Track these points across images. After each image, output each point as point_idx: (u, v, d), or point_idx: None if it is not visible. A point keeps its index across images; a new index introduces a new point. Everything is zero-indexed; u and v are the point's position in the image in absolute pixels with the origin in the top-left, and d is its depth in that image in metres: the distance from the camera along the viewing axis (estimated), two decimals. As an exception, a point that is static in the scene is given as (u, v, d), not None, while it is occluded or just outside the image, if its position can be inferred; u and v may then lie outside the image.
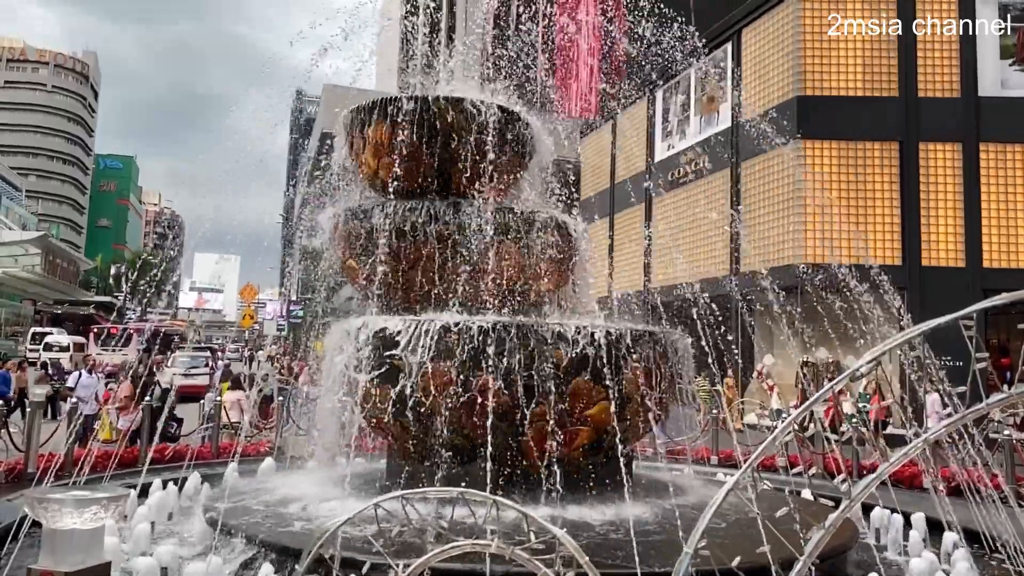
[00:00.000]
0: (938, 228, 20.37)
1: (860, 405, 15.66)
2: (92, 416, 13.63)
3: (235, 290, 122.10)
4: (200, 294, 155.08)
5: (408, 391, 6.39)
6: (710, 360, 9.70)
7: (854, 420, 12.74)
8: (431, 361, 6.34)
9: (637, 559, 4.68)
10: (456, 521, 4.17)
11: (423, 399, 6.34)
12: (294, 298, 60.77)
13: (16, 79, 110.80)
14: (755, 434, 16.15)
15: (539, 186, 9.27)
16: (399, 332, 6.53)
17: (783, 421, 3.31)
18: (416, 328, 6.47)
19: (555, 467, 6.02)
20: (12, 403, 16.25)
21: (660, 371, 7.05)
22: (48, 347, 37.32)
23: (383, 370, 6.59)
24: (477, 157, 7.92)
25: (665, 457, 10.80)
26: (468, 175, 7.92)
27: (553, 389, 6.27)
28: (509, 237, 7.65)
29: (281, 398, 14.11)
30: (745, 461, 3.13)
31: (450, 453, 6.33)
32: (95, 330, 42.46)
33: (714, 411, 13.23)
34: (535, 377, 6.28)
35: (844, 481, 3.01)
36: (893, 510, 7.50)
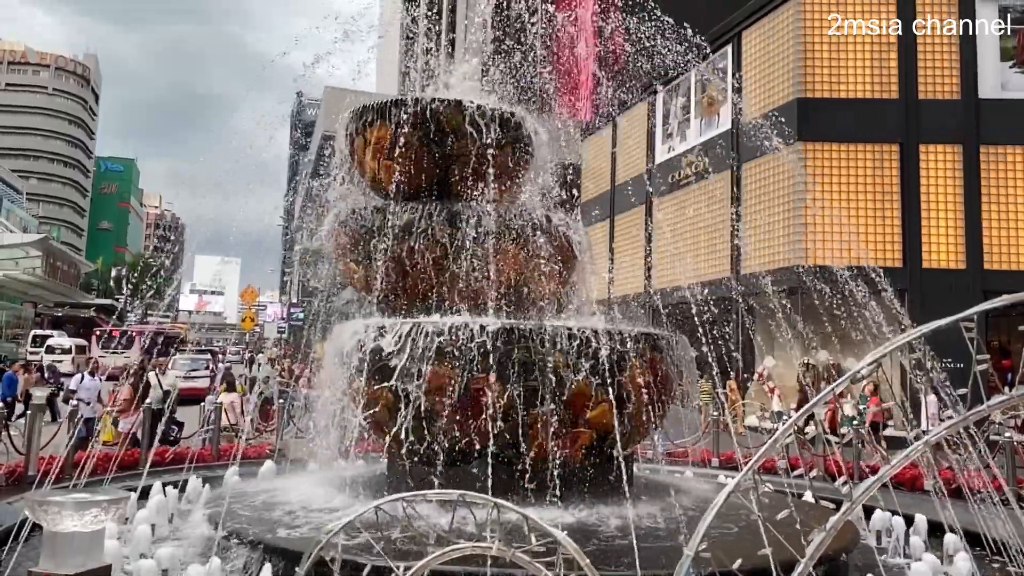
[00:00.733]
0: (938, 230, 20.36)
1: (860, 407, 15.65)
2: (92, 418, 13.62)
3: (236, 293, 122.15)
4: (201, 296, 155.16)
5: (408, 394, 6.39)
6: (711, 362, 9.71)
7: (854, 422, 12.73)
8: (431, 363, 6.33)
9: (638, 561, 4.68)
10: (457, 524, 4.16)
11: (423, 401, 6.33)
12: (295, 300, 60.77)
13: (17, 82, 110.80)
14: (756, 436, 16.15)
15: (539, 188, 9.26)
16: (399, 334, 6.53)
17: (784, 423, 3.30)
18: (416, 330, 6.47)
19: (556, 469, 6.01)
20: (21, 404, 16.22)
21: (661, 373, 7.05)
22: (50, 350, 37.35)
23: (383, 372, 6.58)
24: (477, 160, 7.92)
25: (666, 459, 10.80)
26: (468, 177, 7.93)
27: (554, 391, 6.27)
28: (509, 239, 7.65)
29: (282, 400, 14.10)
30: (746, 464, 3.13)
31: (450, 455, 6.33)
32: (97, 332, 42.59)
33: (715, 413, 13.22)
34: (535, 379, 6.28)
35: (845, 483, 3.00)
36: (894, 512, 7.49)
